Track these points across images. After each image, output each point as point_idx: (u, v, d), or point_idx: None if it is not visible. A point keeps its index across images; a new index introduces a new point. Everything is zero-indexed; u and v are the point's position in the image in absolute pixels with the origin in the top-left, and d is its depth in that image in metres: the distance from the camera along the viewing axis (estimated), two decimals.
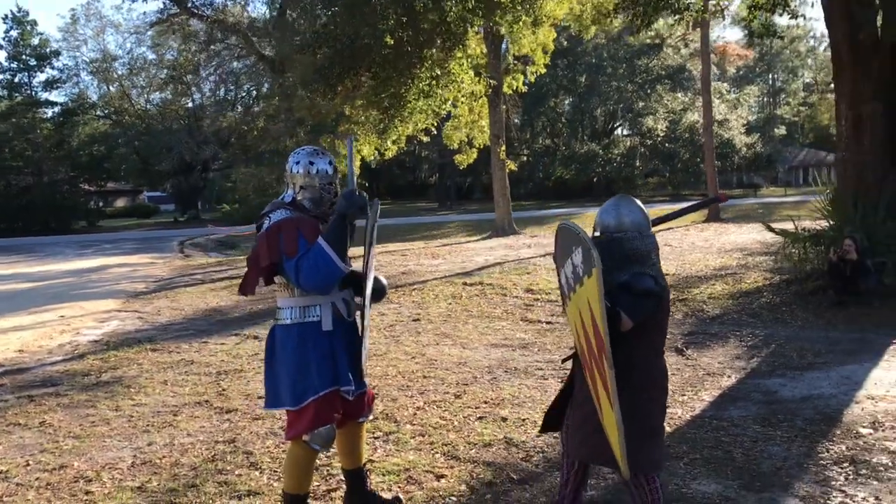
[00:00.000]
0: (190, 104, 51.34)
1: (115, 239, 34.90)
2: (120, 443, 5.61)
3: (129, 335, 10.11)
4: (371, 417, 4.45)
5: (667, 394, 3.49)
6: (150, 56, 49.07)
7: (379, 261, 13.94)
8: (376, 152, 19.45)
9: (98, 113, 55.23)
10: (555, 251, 3.56)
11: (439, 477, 4.66)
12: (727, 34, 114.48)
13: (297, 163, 3.86)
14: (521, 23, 15.54)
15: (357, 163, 21.33)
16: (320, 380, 3.73)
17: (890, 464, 4.58)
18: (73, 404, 6.71)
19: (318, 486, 4.57)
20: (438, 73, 14.42)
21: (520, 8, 14.31)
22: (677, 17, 11.18)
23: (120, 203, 67.28)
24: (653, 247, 3.38)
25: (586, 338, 3.15)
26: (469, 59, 16.18)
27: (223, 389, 7.03)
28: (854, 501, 4.11)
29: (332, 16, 14.35)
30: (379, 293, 4.07)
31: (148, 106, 53.19)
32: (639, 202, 3.48)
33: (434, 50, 13.90)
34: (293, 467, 3.91)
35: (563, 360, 3.72)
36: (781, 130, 66.16)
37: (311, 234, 3.66)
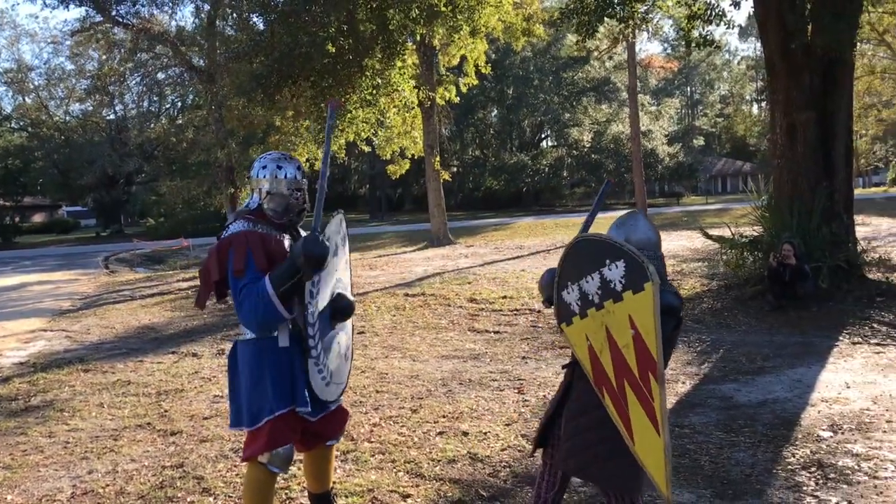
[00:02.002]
0: (112, 116, 49.76)
1: (34, 255, 33.48)
2: (57, 472, 5.25)
3: (58, 355, 9.60)
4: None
5: None
6: (69, 66, 47.45)
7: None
8: (307, 163, 19.14)
9: (13, 125, 53.06)
10: (562, 265, 3.27)
11: (405, 496, 4.48)
12: (648, 47, 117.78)
13: (264, 167, 3.65)
14: (460, 32, 15.58)
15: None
16: (276, 399, 3.50)
17: (856, 467, 4.60)
18: (0, 432, 6.28)
19: None
20: (379, 82, 14.27)
21: (459, 17, 14.30)
22: (622, 24, 11.34)
23: (38, 218, 64.77)
24: (664, 267, 3.27)
25: (617, 359, 2.95)
26: (409, 69, 16.09)
27: (165, 411, 6.68)
28: None
29: (269, 24, 14.06)
30: (344, 311, 3.80)
31: (67, 118, 51.32)
32: (649, 220, 3.34)
33: (374, 59, 13.75)
34: (252, 491, 3.67)
35: (564, 367, 3.53)
36: (700, 141, 68.21)
37: (260, 257, 3.44)
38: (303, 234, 3.80)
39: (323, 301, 3.65)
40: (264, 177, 3.63)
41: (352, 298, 3.89)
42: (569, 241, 3.32)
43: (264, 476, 3.63)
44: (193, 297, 14.99)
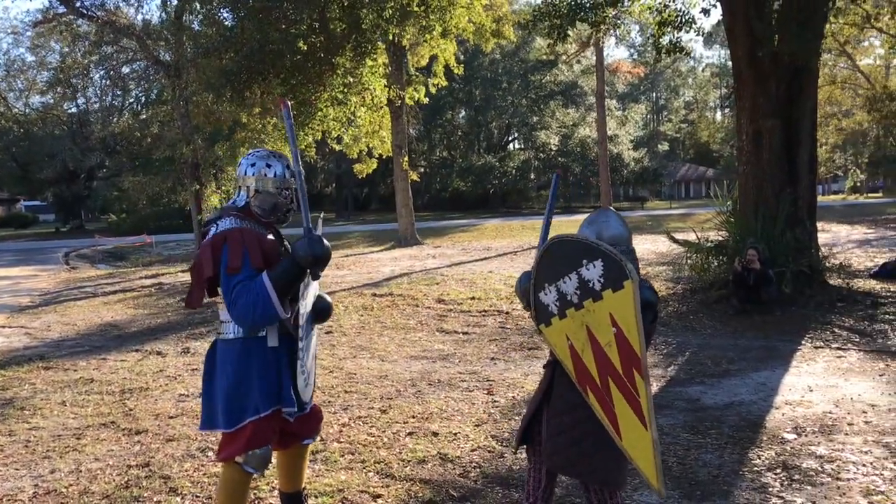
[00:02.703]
0: (74, 109, 48.85)
1: None
2: (18, 471, 5.14)
3: (18, 353, 9.41)
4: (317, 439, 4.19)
5: None
6: (30, 58, 46.50)
7: None
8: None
9: None
10: (537, 268, 3.29)
11: (375, 497, 4.46)
12: (615, 52, 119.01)
13: (252, 165, 3.58)
14: (432, 32, 15.58)
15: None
16: (262, 399, 3.45)
17: (819, 468, 4.68)
18: None
19: None
20: (350, 80, 14.22)
21: (432, 17, 14.31)
22: (593, 28, 11.44)
23: None
24: (636, 261, 3.30)
25: (599, 357, 2.97)
26: (380, 68, 16.06)
27: (130, 409, 6.58)
28: None
29: (238, 20, 13.93)
30: (324, 313, 3.79)
31: (27, 110, 50.24)
32: (620, 216, 3.38)
33: (345, 58, 13.68)
34: (226, 492, 3.59)
35: (545, 367, 3.55)
36: (664, 146, 69.02)
37: (256, 255, 3.39)
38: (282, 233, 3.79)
39: (310, 302, 3.65)
40: (252, 174, 3.57)
41: (329, 300, 3.87)
42: (543, 245, 3.35)
43: (240, 476, 3.56)
44: (157, 294, 14.92)
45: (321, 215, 3.97)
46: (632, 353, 2.82)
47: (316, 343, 3.96)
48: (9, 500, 4.63)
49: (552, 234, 3.44)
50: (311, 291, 3.67)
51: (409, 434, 5.58)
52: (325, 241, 3.43)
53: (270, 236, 3.58)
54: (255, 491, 4.52)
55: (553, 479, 3.47)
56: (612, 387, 2.93)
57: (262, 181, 3.56)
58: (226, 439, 3.53)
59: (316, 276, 3.46)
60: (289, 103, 3.71)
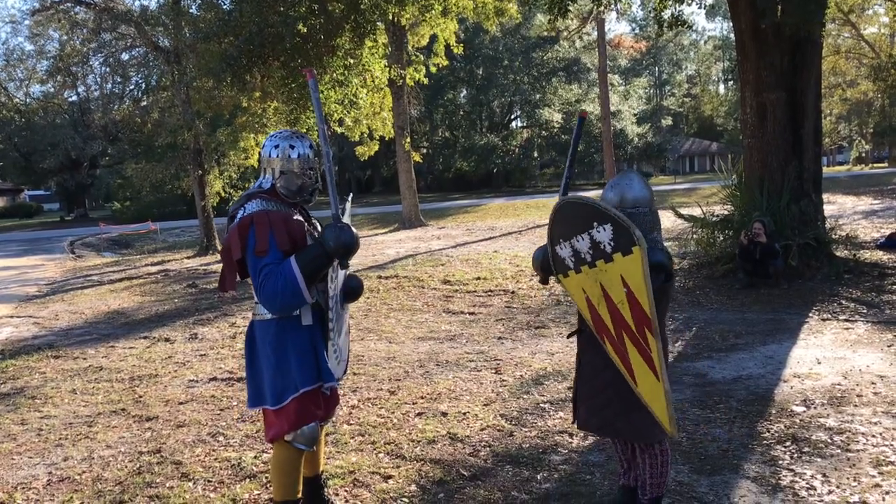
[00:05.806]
0: (74, 98, 48.78)
1: None
2: (31, 459, 5.17)
3: (27, 342, 9.45)
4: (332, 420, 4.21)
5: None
6: (29, 47, 46.36)
7: None
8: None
9: None
10: (551, 228, 3.41)
11: (387, 478, 4.48)
12: (617, 27, 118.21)
13: (276, 146, 3.58)
14: (431, 11, 15.50)
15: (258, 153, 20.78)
16: (301, 377, 3.49)
17: (829, 440, 4.68)
18: None
19: (260, 494, 4.33)
20: (351, 61, 14.17)
21: None
22: (594, 3, 11.34)
23: None
24: (658, 222, 3.38)
25: (614, 313, 3.10)
26: (382, 48, 15.99)
27: (139, 396, 6.61)
28: (804, 479, 4.16)
29: (237, 4, 13.87)
30: (355, 292, 3.84)
31: (28, 100, 50.18)
32: (642, 178, 3.44)
33: (344, 39, 13.64)
34: (280, 472, 3.64)
35: (569, 336, 3.66)
36: (667, 121, 68.65)
37: (281, 236, 3.41)
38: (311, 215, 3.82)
39: (340, 284, 3.69)
40: (277, 156, 3.56)
41: (360, 279, 3.91)
42: (554, 205, 3.44)
43: (291, 454, 3.61)
44: (163, 280, 14.95)
45: (349, 198, 3.98)
46: (643, 314, 2.94)
47: (348, 319, 4.04)
48: (23, 487, 4.67)
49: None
50: (341, 273, 3.72)
51: (419, 415, 5.60)
52: (354, 230, 3.45)
53: (298, 217, 3.59)
54: (267, 475, 4.54)
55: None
56: (626, 340, 3.08)
57: (287, 162, 3.56)
58: (270, 419, 3.58)
59: (344, 266, 3.51)
60: (315, 73, 3.69)
